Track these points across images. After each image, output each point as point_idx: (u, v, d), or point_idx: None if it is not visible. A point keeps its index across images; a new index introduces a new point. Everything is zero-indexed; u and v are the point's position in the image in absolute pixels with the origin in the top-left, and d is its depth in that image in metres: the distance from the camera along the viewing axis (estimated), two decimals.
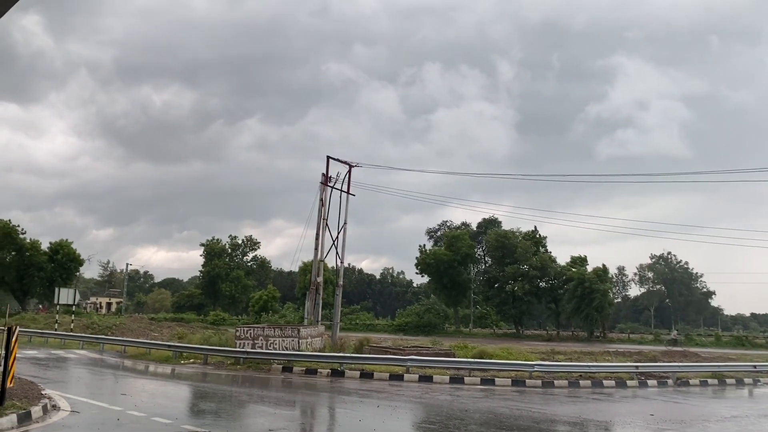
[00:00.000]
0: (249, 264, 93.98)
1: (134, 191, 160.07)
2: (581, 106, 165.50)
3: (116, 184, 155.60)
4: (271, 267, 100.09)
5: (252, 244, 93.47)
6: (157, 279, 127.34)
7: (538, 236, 74.99)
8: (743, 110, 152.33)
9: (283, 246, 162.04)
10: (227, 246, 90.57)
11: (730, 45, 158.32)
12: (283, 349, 24.03)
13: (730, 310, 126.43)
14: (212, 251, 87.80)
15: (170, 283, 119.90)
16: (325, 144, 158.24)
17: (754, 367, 25.40)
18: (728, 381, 23.40)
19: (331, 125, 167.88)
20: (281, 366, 22.37)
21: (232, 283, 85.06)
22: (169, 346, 26.62)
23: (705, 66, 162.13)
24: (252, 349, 23.90)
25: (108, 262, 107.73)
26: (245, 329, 25.97)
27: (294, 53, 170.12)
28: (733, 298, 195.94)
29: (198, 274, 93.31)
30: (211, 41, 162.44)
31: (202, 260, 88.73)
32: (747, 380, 23.84)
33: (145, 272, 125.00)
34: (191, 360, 24.79)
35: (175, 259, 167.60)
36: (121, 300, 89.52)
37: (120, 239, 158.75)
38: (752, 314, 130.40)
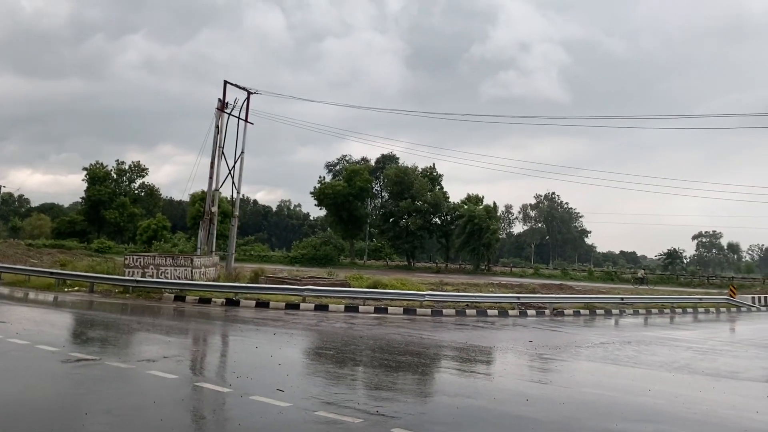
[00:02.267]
0: (136, 191, 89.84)
1: (3, 107, 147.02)
2: (466, 45, 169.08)
3: None
4: (160, 195, 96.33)
5: (140, 170, 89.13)
6: (34, 203, 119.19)
7: (435, 174, 76.76)
8: (616, 56, 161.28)
9: (173, 174, 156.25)
10: (112, 171, 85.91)
11: None
12: (175, 279, 23.49)
13: (602, 248, 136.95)
14: (95, 176, 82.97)
15: (49, 208, 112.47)
16: (216, 67, 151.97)
17: (621, 299, 27.89)
18: (598, 312, 25.58)
19: (221, 47, 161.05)
20: (173, 295, 21.96)
21: (117, 211, 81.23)
22: (52, 273, 25.29)
23: (584, 11, 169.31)
24: (142, 277, 23.21)
25: None
26: (134, 257, 25.08)
27: None
28: (605, 237, 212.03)
29: (80, 200, 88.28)
30: None
31: (84, 185, 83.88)
32: (614, 311, 26.17)
33: (20, 196, 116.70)
34: (76, 288, 23.75)
35: (53, 182, 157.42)
36: None
37: None
38: (621, 252, 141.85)
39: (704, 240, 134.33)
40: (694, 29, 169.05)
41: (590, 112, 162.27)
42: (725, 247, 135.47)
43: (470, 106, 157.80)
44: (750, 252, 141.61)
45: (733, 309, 32.21)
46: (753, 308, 33.31)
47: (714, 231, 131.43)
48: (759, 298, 35.87)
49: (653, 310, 27.90)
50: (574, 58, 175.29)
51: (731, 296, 33.89)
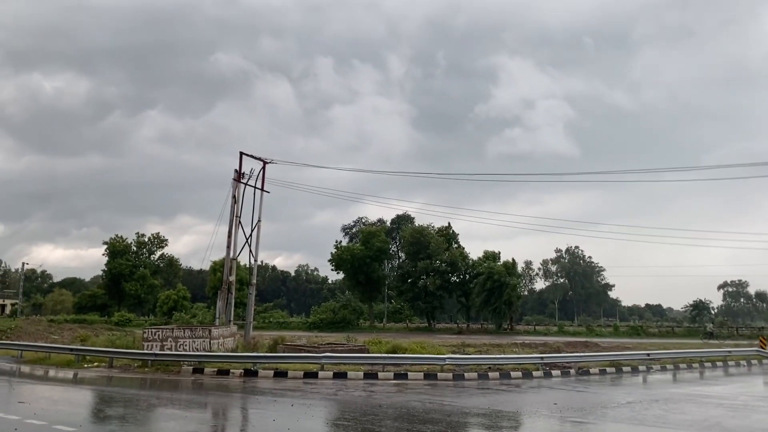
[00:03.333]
0: (156, 262, 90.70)
1: (26, 185, 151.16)
2: (470, 105, 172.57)
3: (5, 178, 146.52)
4: (180, 265, 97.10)
5: (159, 241, 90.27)
6: (56, 279, 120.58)
7: (451, 232, 76.75)
8: (620, 109, 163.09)
9: (192, 243, 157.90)
10: (133, 244, 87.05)
11: (603, 47, 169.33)
12: (193, 351, 23.43)
13: (627, 302, 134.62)
14: (116, 249, 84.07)
15: (70, 283, 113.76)
16: (231, 138, 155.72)
17: (648, 355, 27.17)
18: (625, 369, 24.91)
19: (236, 119, 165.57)
20: (192, 368, 21.81)
21: (137, 283, 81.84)
22: (71, 349, 25.33)
23: (582, 66, 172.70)
24: (161, 350, 23.17)
25: (0, 262, 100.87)
26: (153, 330, 25.13)
27: (196, 43, 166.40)
28: (629, 291, 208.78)
29: (101, 273, 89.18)
30: (107, 27, 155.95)
31: (104, 259, 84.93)
32: (641, 368, 25.48)
33: (43, 271, 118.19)
34: (95, 363, 23.73)
35: (75, 257, 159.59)
36: (17, 302, 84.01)
37: (12, 237, 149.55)
38: (647, 305, 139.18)
39: (730, 289, 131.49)
40: (695, 79, 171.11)
41: (600, 164, 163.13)
42: (753, 296, 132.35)
43: (479, 164, 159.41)
44: None
45: (765, 361, 31.21)
46: None
47: (740, 280, 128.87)
48: None
49: (681, 365, 27.12)
50: (578, 112, 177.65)
51: (762, 347, 32.90)
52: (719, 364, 28.70)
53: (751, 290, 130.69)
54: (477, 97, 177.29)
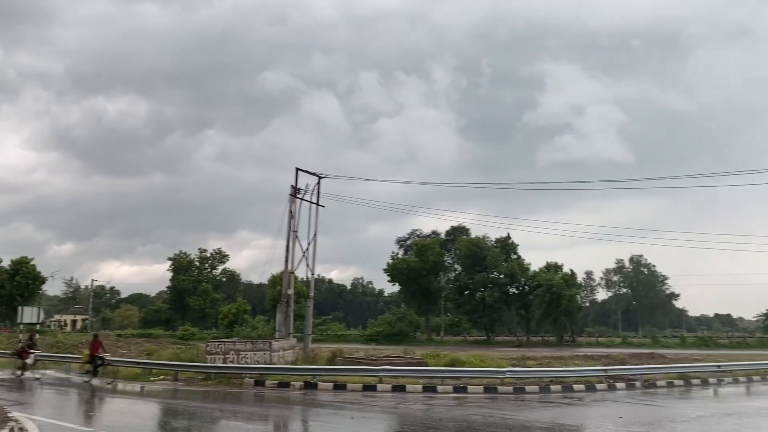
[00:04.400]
0: (218, 277, 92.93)
1: (93, 205, 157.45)
2: (518, 113, 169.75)
3: (74, 198, 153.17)
4: (240, 279, 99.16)
5: (221, 257, 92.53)
6: (123, 295, 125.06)
7: (510, 243, 75.64)
8: (674, 112, 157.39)
9: (251, 258, 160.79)
10: (195, 259, 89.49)
11: (652, 48, 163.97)
12: (254, 363, 23.81)
13: (694, 312, 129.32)
14: (179, 265, 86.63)
15: (137, 299, 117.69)
16: (285, 153, 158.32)
17: (718, 367, 26.00)
18: (693, 381, 23.92)
19: (289, 135, 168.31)
20: (253, 380, 22.18)
21: (200, 297, 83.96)
22: (138, 363, 26.19)
23: (632, 69, 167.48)
24: (223, 363, 23.66)
25: (71, 279, 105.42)
26: (216, 344, 25.69)
27: (249, 62, 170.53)
28: (696, 300, 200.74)
29: (165, 288, 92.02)
30: (165, 51, 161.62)
31: (168, 274, 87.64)
32: (711, 380, 24.42)
33: (111, 288, 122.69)
34: (161, 377, 24.40)
35: (140, 273, 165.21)
36: (87, 317, 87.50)
37: (81, 254, 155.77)
38: (715, 315, 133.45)
39: None
40: (753, 79, 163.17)
41: (655, 169, 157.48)
42: None
43: (530, 173, 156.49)
44: None
45: None
46: None
47: None
48: None
49: (755, 378, 25.84)
50: (631, 116, 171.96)
51: None
52: None
53: None
54: (524, 105, 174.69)
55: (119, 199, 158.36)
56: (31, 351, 24.61)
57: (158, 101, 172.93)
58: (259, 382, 21.90)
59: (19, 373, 24.39)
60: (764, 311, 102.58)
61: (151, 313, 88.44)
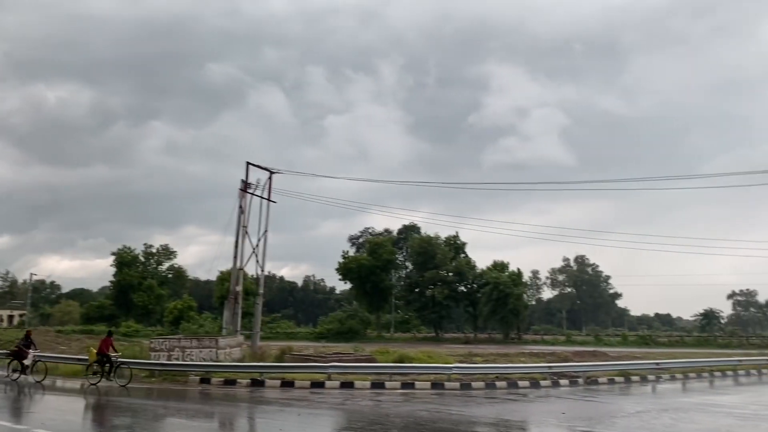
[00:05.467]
0: (164, 273, 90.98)
1: (32, 196, 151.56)
2: (464, 113, 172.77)
3: (12, 188, 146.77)
4: (187, 276, 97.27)
5: (168, 253, 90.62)
6: (65, 289, 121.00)
7: (458, 242, 76.59)
8: (614, 116, 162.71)
9: (198, 254, 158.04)
10: (140, 255, 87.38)
11: (593, 53, 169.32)
12: (200, 361, 23.43)
13: (635, 311, 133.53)
14: (124, 260, 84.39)
15: (78, 294, 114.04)
16: (236, 149, 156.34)
17: (657, 364, 26.95)
18: (633, 378, 24.70)
19: (240, 129, 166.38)
20: (199, 377, 21.78)
21: (145, 293, 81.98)
22: (79, 359, 25.33)
23: (574, 73, 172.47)
24: (168, 360, 23.17)
25: (7, 273, 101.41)
26: (160, 341, 25.17)
27: (198, 53, 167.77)
28: (637, 300, 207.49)
29: (108, 284, 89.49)
30: (110, 38, 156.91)
31: (111, 269, 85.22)
32: (650, 377, 25.28)
33: (51, 282, 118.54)
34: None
35: (81, 268, 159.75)
36: (24, 312, 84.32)
37: (19, 248, 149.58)
38: (656, 314, 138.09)
39: (740, 299, 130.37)
40: (689, 86, 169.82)
41: (597, 172, 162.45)
42: (764, 305, 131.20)
43: (476, 173, 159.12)
44: None
45: None
46: None
47: (748, 289, 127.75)
48: None
49: (691, 375, 26.90)
50: (573, 120, 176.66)
51: None
52: (729, 373, 28.44)
53: (761, 299, 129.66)
54: (470, 106, 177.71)
55: (60, 191, 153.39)
56: (29, 351, 21.70)
57: (102, 90, 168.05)
58: (204, 380, 21.53)
59: (16, 375, 21.46)
60: (701, 311, 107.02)
61: (93, 309, 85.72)
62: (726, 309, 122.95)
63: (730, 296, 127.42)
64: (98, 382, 20.19)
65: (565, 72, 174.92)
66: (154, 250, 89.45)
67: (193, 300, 72.75)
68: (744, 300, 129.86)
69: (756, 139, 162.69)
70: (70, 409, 15.58)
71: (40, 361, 21.92)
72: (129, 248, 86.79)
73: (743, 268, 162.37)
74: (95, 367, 20.78)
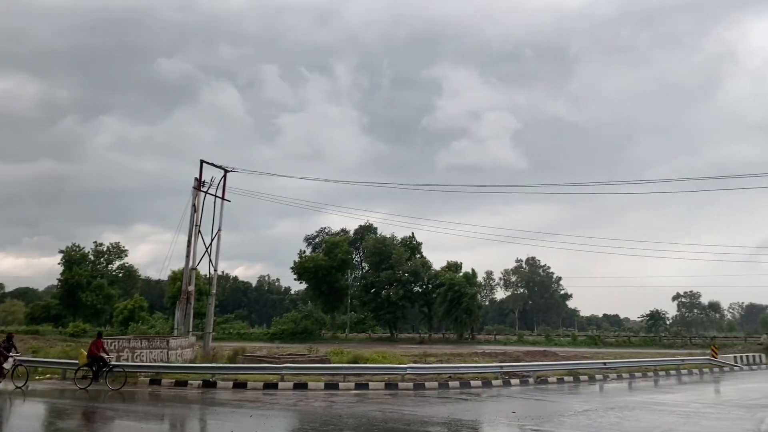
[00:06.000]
0: (114, 272, 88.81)
1: None
2: (418, 115, 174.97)
3: None
4: (138, 275, 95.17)
5: (119, 251, 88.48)
6: (9, 288, 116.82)
7: (414, 242, 77.07)
8: (564, 121, 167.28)
9: (150, 253, 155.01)
10: (90, 253, 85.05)
11: (543, 59, 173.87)
12: (150, 361, 22.99)
13: (585, 312, 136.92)
14: (72, 259, 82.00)
15: (23, 293, 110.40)
16: (189, 146, 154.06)
17: (604, 364, 27.69)
18: (582, 378, 25.33)
19: (194, 127, 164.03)
20: (149, 379, 21.39)
21: (93, 293, 79.87)
22: (22, 361, 24.49)
23: (525, 78, 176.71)
24: (116, 362, 22.60)
25: None
26: (109, 341, 24.53)
27: (152, 48, 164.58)
28: (587, 301, 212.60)
29: (55, 283, 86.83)
30: (60, 29, 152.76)
31: (59, 268, 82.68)
32: (598, 376, 25.95)
33: None
34: (48, 375, 23.05)
35: (26, 266, 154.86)
36: None
37: None
38: (604, 315, 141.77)
39: (684, 300, 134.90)
40: (634, 94, 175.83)
41: (548, 176, 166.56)
42: (706, 307, 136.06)
43: (431, 174, 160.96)
44: (731, 310, 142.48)
45: (716, 369, 32.13)
46: (735, 368, 33.23)
47: (692, 291, 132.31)
48: (741, 357, 35.82)
49: (637, 374, 27.73)
50: (523, 124, 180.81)
51: (713, 356, 33.87)
52: (673, 372, 29.42)
53: (704, 301, 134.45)
54: (424, 108, 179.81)
55: (4, 186, 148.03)
56: (10, 354, 20.16)
57: (50, 83, 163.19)
58: (155, 381, 21.16)
59: None
60: (648, 312, 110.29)
61: (39, 308, 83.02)
62: (671, 310, 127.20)
63: (674, 298, 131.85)
64: (88, 385, 19.46)
65: (516, 77, 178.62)
66: (104, 249, 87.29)
67: (144, 300, 71.31)
68: (688, 302, 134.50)
69: (698, 146, 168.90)
70: (13, 413, 15.08)
71: (21, 365, 20.72)
72: (78, 246, 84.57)
73: (687, 271, 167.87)
74: (85, 371, 20.09)
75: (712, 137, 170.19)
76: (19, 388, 19.49)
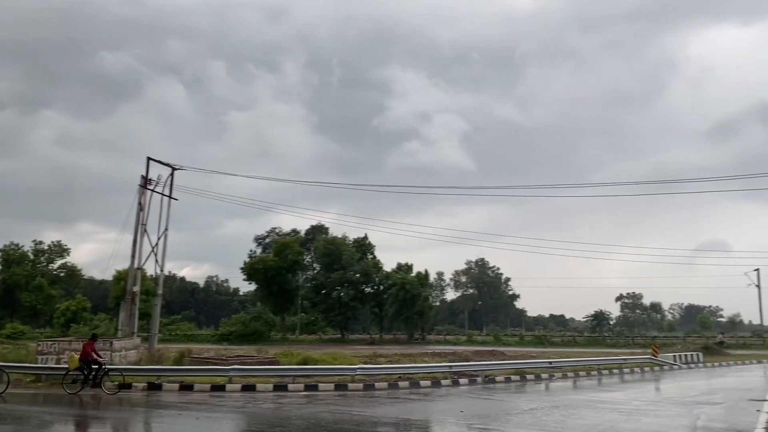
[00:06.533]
0: (56, 272, 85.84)
1: None
2: (368, 116, 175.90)
3: None
4: (81, 275, 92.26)
5: (60, 250, 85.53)
6: None
7: (367, 243, 77.04)
8: (511, 124, 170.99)
9: (94, 252, 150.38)
10: (29, 252, 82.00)
11: (490, 62, 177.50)
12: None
13: (532, 312, 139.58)
14: (10, 257, 78.91)
15: None
16: (134, 143, 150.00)
17: (550, 363, 28.28)
18: (528, 377, 25.81)
19: (140, 123, 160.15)
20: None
21: (33, 293, 77.02)
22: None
23: (473, 81, 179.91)
24: (57, 364, 21.84)
25: None
26: (49, 343, 23.70)
27: (98, 41, 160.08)
28: (534, 301, 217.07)
29: None
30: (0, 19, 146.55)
31: None
32: (544, 375, 26.49)
33: None
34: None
35: None
36: None
37: None
38: (551, 315, 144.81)
39: (627, 301, 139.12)
40: (579, 98, 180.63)
41: (496, 178, 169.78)
42: (648, 307, 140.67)
43: (382, 175, 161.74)
44: (671, 311, 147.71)
45: (656, 368, 33.22)
46: (675, 366, 34.45)
47: (635, 292, 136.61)
48: (680, 356, 37.16)
49: (581, 373, 28.43)
50: (472, 126, 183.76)
51: (654, 356, 35.00)
52: (615, 371, 30.27)
53: (646, 302, 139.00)
54: (375, 108, 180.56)
55: None
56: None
57: None
58: (97, 384, 20.47)
59: None
60: (592, 313, 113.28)
61: None
62: (614, 311, 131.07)
63: (618, 299, 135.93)
64: (80, 390, 18.54)
65: (465, 79, 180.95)
66: (44, 247, 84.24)
67: (87, 300, 69.18)
68: (630, 302, 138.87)
69: (640, 151, 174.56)
70: None
71: (3, 372, 19.57)
72: (16, 245, 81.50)
73: (630, 273, 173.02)
74: (75, 375, 19.03)
75: (654, 143, 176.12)
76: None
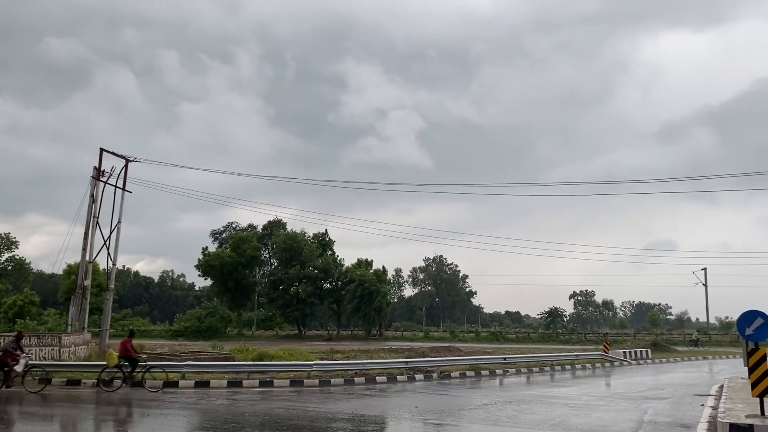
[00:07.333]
0: (3, 265, 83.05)
1: None
2: (324, 111, 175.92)
3: None
4: (30, 269, 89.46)
5: (9, 242, 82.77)
6: None
7: (327, 239, 76.70)
8: (467, 122, 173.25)
9: (43, 245, 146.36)
10: None
11: (446, 60, 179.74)
12: (41, 359, 21.70)
13: (488, 309, 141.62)
14: None
15: None
16: (87, 133, 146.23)
17: (505, 359, 28.76)
18: (483, 372, 26.17)
19: (93, 113, 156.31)
20: (38, 378, 20.12)
21: None
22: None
23: (428, 78, 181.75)
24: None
25: None
26: None
27: (48, 27, 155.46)
28: (490, 298, 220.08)
29: None
30: None
31: None
32: (498, 371, 26.90)
33: None
34: None
35: None
36: None
37: None
38: (506, 312, 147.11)
39: (580, 299, 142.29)
40: (532, 99, 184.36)
41: (452, 175, 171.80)
42: (600, 305, 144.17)
43: (338, 170, 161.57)
44: (623, 308, 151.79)
45: (607, 364, 34.06)
46: (625, 362, 35.41)
47: (587, 290, 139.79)
48: (630, 352, 38.26)
49: (535, 369, 28.95)
50: (428, 123, 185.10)
51: (605, 352, 35.88)
52: (568, 367, 30.94)
53: (599, 299, 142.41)
54: (330, 104, 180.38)
55: None
56: (18, 355, 18.36)
57: None
58: (44, 380, 19.92)
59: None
60: (547, 310, 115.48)
61: None
62: (568, 308, 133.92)
63: (571, 296, 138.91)
64: (118, 388, 18.12)
65: (421, 76, 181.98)
66: None
67: (35, 295, 67.08)
68: (583, 300, 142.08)
69: (592, 152, 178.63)
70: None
71: (34, 368, 19.05)
72: None
73: (583, 271, 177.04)
74: (115, 372, 18.57)
75: (605, 143, 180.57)
76: (35, 393, 17.76)
